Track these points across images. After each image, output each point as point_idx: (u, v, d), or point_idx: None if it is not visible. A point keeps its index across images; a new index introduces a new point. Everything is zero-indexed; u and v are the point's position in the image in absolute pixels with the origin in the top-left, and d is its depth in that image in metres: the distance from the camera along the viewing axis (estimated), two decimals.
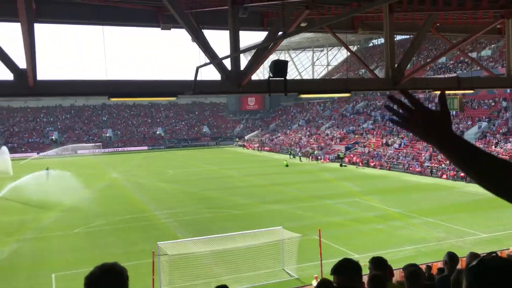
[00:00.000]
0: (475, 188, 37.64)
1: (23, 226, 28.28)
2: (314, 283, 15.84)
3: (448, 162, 45.18)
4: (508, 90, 52.51)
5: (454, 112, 54.43)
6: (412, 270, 4.59)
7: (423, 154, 49.88)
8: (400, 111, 1.82)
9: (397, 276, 14.74)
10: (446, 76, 58.26)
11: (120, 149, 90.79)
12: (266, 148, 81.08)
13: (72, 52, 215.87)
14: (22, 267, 20.85)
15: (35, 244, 24.45)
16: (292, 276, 18.67)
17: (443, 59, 67.07)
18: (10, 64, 7.11)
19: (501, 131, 47.53)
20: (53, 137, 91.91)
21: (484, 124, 50.46)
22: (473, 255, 5.51)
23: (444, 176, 43.37)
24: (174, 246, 19.37)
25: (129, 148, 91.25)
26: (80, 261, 21.31)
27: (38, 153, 77.18)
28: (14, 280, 19.21)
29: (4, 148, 59.63)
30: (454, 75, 49.31)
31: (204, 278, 17.99)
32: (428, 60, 48.60)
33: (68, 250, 23.22)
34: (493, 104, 53.85)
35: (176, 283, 16.87)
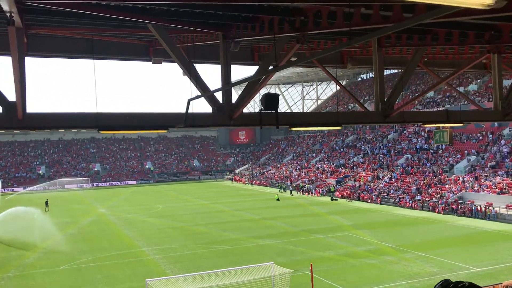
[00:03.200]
0: (467, 222, 37.64)
1: (7, 264, 27.49)
2: None
3: (438, 196, 45.29)
4: (496, 124, 53.30)
5: (443, 146, 55.02)
6: None
7: (413, 188, 49.95)
8: None
9: None
10: (434, 109, 59.22)
11: (108, 183, 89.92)
12: (256, 182, 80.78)
13: (62, 84, 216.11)
14: None
15: (19, 282, 23.70)
16: None
17: (431, 94, 68.24)
18: None
19: (489, 164, 47.93)
20: (41, 172, 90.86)
21: (473, 157, 50.90)
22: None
23: (436, 210, 43.32)
24: (163, 283, 18.89)
25: (117, 183, 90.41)
26: None
27: (24, 188, 76.15)
28: None
29: None
30: (443, 109, 50.13)
31: None
32: (416, 94, 49.36)
33: None
34: (481, 137, 54.50)
35: None
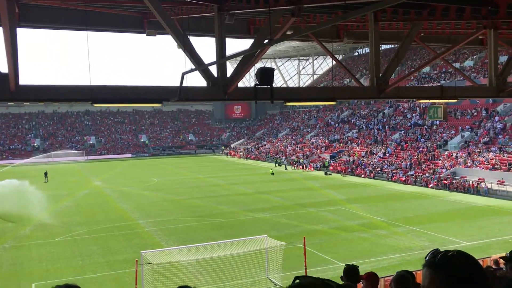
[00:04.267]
0: (459, 197, 38.11)
1: (3, 235, 27.69)
2: None
3: (431, 171, 45.68)
4: (490, 100, 53.42)
5: (438, 121, 55.20)
6: (400, 274, 4.58)
7: (407, 163, 50.31)
8: None
9: (381, 284, 14.75)
10: (430, 85, 59.05)
11: (103, 156, 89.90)
12: (252, 156, 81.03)
13: (55, 57, 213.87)
14: (1, 277, 20.37)
15: (15, 253, 23.93)
16: (276, 285, 18.57)
17: (427, 69, 68.08)
18: None
19: (482, 140, 48.23)
20: (35, 144, 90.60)
21: (467, 133, 51.16)
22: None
23: (428, 185, 43.77)
24: (158, 255, 19.14)
25: (112, 156, 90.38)
26: (61, 271, 20.96)
27: (17, 161, 75.91)
28: None
29: None
30: (438, 84, 50.05)
31: None
32: (412, 70, 49.24)
33: (49, 259, 22.77)
34: (475, 114, 54.68)
35: None
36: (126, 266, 20.70)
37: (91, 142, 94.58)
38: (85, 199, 40.33)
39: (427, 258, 1.64)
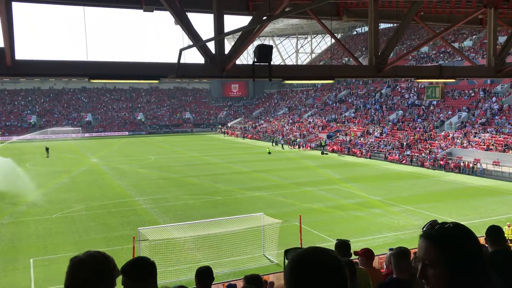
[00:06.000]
0: (454, 177, 38.38)
1: (1, 211, 27.81)
2: None
3: (427, 151, 45.86)
4: (488, 81, 53.33)
5: (435, 102, 55.17)
6: (400, 249, 4.66)
7: (403, 143, 50.46)
8: None
9: (376, 262, 14.96)
10: (428, 65, 58.81)
11: (100, 134, 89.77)
12: (249, 135, 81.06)
13: (51, 32, 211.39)
14: None
15: (13, 228, 24.08)
16: (272, 262, 18.79)
17: (425, 49, 67.72)
18: None
19: (479, 121, 48.33)
20: (32, 121, 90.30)
21: (464, 114, 51.22)
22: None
23: (424, 164, 44.01)
24: (155, 232, 19.29)
25: (109, 133, 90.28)
26: (59, 246, 21.12)
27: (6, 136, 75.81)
28: None
29: None
30: (437, 64, 49.86)
31: (185, 263, 17.98)
32: (410, 49, 48.92)
33: (47, 235, 22.93)
34: (472, 94, 54.64)
35: (158, 269, 16.75)
36: (123, 243, 20.87)
37: (87, 119, 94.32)
38: (82, 176, 40.40)
39: (424, 228, 1.66)
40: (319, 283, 1.51)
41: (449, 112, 53.51)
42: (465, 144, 44.95)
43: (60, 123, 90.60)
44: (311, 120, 74.85)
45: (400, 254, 4.61)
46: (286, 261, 1.74)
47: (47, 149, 55.94)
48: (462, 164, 41.10)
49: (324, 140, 61.95)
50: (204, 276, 4.61)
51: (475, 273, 1.54)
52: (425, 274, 1.60)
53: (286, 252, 4.02)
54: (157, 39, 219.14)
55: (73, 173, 42.24)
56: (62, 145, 70.22)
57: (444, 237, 1.57)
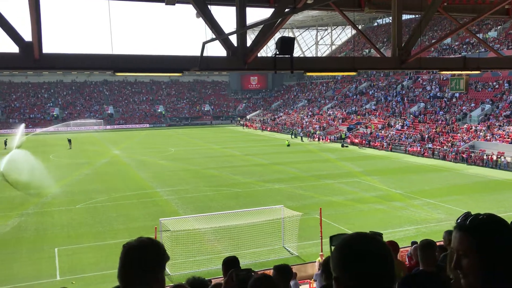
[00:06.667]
0: (477, 171, 37.79)
1: (25, 201, 28.47)
2: (319, 261, 16.01)
3: (450, 144, 45.21)
4: None
5: (458, 94, 54.27)
6: (426, 241, 4.67)
7: (425, 136, 49.84)
8: None
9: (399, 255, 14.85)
10: (451, 56, 57.80)
11: (121, 126, 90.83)
12: (267, 127, 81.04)
13: (77, 26, 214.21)
14: (25, 241, 21.06)
15: (38, 218, 24.65)
16: (292, 254, 18.87)
17: (448, 41, 66.51)
18: (15, 36, 7.04)
19: (504, 113, 47.38)
20: (54, 113, 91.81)
21: (487, 106, 50.27)
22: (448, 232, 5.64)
23: (446, 157, 43.43)
24: (176, 223, 19.55)
25: (130, 126, 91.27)
26: (82, 236, 21.57)
27: (28, 128, 77.19)
28: (18, 254, 19.42)
29: (22, 126, 64.97)
30: (460, 56, 48.96)
31: (206, 254, 18.18)
32: (433, 41, 48.13)
33: (71, 225, 23.42)
34: (497, 86, 53.53)
35: (178, 259, 17.03)
36: (145, 233, 21.13)
37: (109, 111, 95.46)
38: (104, 168, 41.02)
39: (458, 220, 1.69)
40: (366, 269, 1.56)
41: (472, 105, 52.58)
42: (488, 137, 44.17)
43: (82, 115, 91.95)
44: (331, 112, 74.40)
45: (426, 246, 4.62)
46: (332, 247, 1.80)
47: (69, 140, 57.28)
48: (485, 157, 40.41)
49: (344, 132, 61.57)
50: (231, 265, 4.68)
51: (509, 262, 1.56)
52: (460, 265, 1.63)
53: (331, 238, 4.09)
54: (178, 32, 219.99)
55: (95, 164, 42.91)
56: (84, 137, 71.32)
57: (477, 227, 1.60)
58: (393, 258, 1.62)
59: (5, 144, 54.79)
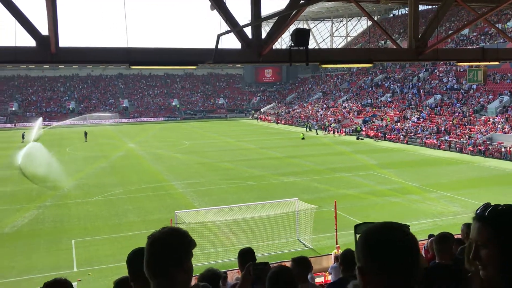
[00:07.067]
0: (494, 163, 37.26)
1: (43, 194, 28.89)
2: (335, 253, 15.97)
3: (467, 136, 44.60)
4: None
5: (475, 86, 53.45)
6: (442, 234, 4.63)
7: (441, 128, 49.26)
8: None
9: None
10: (469, 47, 56.92)
11: (136, 119, 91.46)
12: (282, 120, 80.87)
13: (93, 20, 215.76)
14: (43, 233, 21.38)
15: (55, 211, 24.99)
16: (307, 247, 18.85)
17: (465, 31, 65.46)
18: (32, 30, 7.09)
19: None
20: (70, 107, 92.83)
21: (506, 98, 49.42)
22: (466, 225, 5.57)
23: (463, 150, 42.88)
24: (191, 215, 19.66)
25: (145, 119, 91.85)
26: (99, 228, 21.81)
27: (44, 121, 78.13)
28: (36, 245, 19.73)
29: (39, 119, 67.02)
30: (478, 47, 48.14)
31: (221, 246, 18.26)
32: (450, 32, 47.40)
33: (87, 217, 23.71)
34: None
35: (193, 251, 17.10)
36: (160, 225, 21.13)
37: (124, 105, 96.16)
38: (119, 161, 41.39)
39: (477, 211, 1.67)
40: (393, 259, 1.54)
41: (490, 96, 51.75)
42: (506, 129, 43.47)
43: (97, 109, 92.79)
44: (346, 105, 73.91)
45: (442, 239, 4.57)
46: (357, 236, 1.79)
47: (85, 133, 57.86)
48: (503, 149, 39.80)
49: (359, 125, 61.15)
50: (247, 257, 4.68)
51: None
52: (478, 255, 1.62)
53: (356, 227, 4.09)
54: (193, 25, 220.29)
55: (111, 158, 43.29)
56: (100, 130, 71.99)
57: (496, 218, 1.60)
58: (419, 249, 1.60)
59: (23, 137, 55.56)
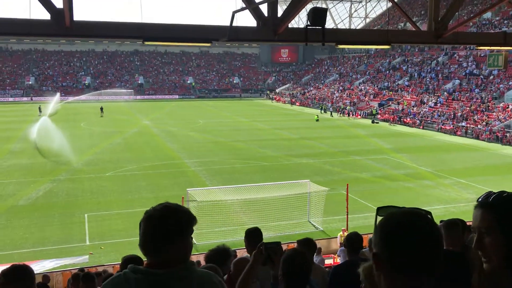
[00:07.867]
0: (511, 151, 36.68)
1: (57, 168, 29.24)
2: (341, 236, 15.97)
3: (484, 123, 43.89)
4: None
5: (496, 71, 52.34)
6: (449, 220, 4.57)
7: (458, 114, 48.54)
8: None
9: None
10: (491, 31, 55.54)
11: (151, 96, 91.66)
12: (297, 102, 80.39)
13: None
14: (57, 206, 21.71)
15: (69, 185, 25.32)
16: (317, 228, 18.88)
17: (488, 15, 63.84)
18: (46, 3, 7.05)
19: None
20: (86, 82, 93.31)
21: None
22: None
23: (480, 137, 42.26)
24: (203, 193, 19.76)
25: (160, 96, 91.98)
26: (111, 203, 22.08)
27: (60, 96, 78.75)
28: (50, 218, 20.07)
29: (57, 94, 68.83)
30: (499, 31, 46.97)
31: (231, 225, 18.37)
32: (471, 15, 46.31)
33: (100, 192, 23.99)
34: None
35: (204, 229, 17.26)
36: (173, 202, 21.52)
37: (139, 82, 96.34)
38: (134, 137, 41.65)
39: (480, 199, 1.60)
40: (412, 246, 1.44)
41: (510, 82, 50.68)
42: None
43: (113, 85, 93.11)
44: (363, 87, 73.11)
45: (450, 225, 4.50)
46: (378, 218, 1.71)
47: (101, 108, 58.74)
48: None
49: (375, 108, 60.53)
50: (254, 236, 4.67)
51: None
52: (482, 243, 1.56)
53: (378, 210, 4.02)
54: (208, 1, 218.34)
55: (125, 134, 43.59)
56: (115, 106, 72.37)
57: (499, 204, 1.54)
58: (441, 238, 1.52)
59: (40, 110, 56.17)
